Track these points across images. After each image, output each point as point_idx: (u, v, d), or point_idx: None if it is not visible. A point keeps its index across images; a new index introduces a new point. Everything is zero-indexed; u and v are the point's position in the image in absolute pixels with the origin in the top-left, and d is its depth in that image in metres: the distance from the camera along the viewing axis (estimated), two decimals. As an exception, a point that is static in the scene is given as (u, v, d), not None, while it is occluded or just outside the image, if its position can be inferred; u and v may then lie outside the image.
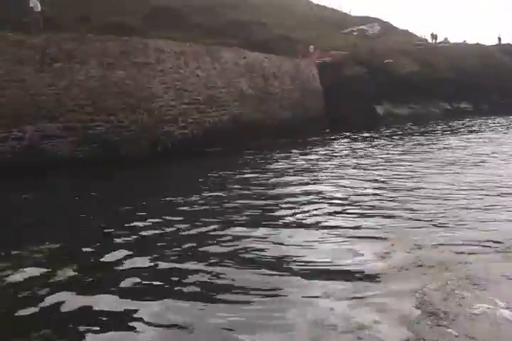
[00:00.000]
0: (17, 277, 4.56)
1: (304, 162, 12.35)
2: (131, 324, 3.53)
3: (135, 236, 5.87)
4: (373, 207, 6.75)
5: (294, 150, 14.89)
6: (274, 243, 5.29)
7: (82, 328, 3.51)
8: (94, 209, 7.79)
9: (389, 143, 16.69)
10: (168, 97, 15.67)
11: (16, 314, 3.76)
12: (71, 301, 3.95)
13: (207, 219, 6.47)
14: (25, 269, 4.75)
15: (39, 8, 15.15)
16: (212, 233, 5.83)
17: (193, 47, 17.59)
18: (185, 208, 7.36)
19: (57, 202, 8.64)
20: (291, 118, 21.31)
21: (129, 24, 20.51)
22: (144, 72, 14.96)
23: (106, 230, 6.19)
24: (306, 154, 14.08)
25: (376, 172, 10.03)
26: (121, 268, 4.75)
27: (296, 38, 28.97)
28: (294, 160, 12.73)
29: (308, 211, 6.70)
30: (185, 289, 4.12)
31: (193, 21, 26.79)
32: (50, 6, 17.61)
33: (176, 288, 4.17)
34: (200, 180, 10.25)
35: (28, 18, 15.27)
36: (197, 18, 26.96)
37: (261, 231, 5.76)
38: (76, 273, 4.62)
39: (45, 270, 4.69)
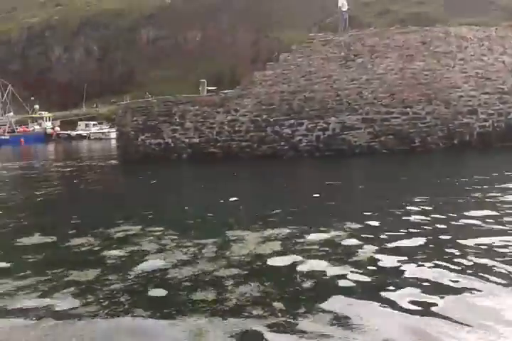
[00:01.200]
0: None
1: None
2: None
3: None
4: None
5: None
6: None
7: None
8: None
9: None
10: (467, 87, 14.73)
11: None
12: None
13: None
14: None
15: (346, 7, 16.24)
16: None
17: (499, 31, 15.96)
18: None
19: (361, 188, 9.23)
20: None
21: (428, 13, 20.06)
22: (443, 61, 14.44)
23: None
24: None
25: None
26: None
27: None
28: None
29: None
30: None
31: (495, 3, 24.30)
32: (353, 3, 18.77)
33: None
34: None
35: (334, 17, 16.63)
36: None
37: None
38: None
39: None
